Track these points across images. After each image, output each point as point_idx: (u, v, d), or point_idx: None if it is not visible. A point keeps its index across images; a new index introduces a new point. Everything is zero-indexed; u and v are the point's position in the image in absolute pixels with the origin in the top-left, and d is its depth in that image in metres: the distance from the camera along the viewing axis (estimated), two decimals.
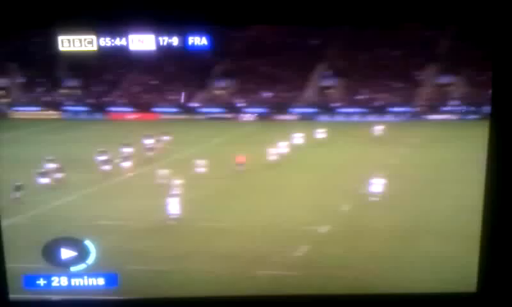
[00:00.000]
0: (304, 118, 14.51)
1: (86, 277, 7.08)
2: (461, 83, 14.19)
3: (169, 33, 6.90)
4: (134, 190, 11.12)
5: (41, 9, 6.04)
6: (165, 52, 7.36)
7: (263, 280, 8.27)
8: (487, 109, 13.63)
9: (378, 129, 12.97)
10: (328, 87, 15.40)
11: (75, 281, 7.10)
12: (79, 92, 13.40)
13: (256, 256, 8.71)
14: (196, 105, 14.51)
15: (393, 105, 14.41)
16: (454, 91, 14.20)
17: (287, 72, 14.49)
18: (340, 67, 15.18)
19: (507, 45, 6.43)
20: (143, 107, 13.72)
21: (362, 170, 11.14)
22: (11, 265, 6.29)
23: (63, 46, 6.43)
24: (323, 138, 13.41)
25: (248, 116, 13.92)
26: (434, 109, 13.98)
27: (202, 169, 12.13)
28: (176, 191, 10.46)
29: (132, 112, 13.43)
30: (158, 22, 6.83)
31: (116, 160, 12.13)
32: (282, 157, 13.26)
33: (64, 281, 7.13)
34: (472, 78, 13.62)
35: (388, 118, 14.00)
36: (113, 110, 13.48)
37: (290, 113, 14.65)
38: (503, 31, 6.37)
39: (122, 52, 6.88)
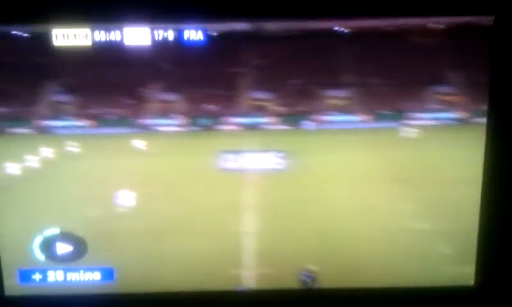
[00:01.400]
0: (45, 131, 14.58)
1: None
2: (184, 99, 15.95)
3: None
4: None
5: None
6: None
7: None
8: (204, 121, 15.87)
9: (126, 139, 13.69)
10: (61, 103, 15.71)
11: None
12: None
13: None
14: None
15: (127, 119, 15.43)
16: (177, 106, 15.89)
17: (17, 87, 14.35)
18: (72, 83, 15.64)
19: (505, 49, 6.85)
20: None
21: (113, 180, 11.84)
22: None
23: None
24: (75, 151, 13.66)
25: None
26: (162, 122, 15.39)
27: None
28: None
29: None
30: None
31: None
32: (29, 170, 13.21)
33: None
34: (192, 94, 15.55)
35: (122, 130, 14.91)
36: None
37: (30, 127, 14.56)
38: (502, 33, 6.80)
39: None
